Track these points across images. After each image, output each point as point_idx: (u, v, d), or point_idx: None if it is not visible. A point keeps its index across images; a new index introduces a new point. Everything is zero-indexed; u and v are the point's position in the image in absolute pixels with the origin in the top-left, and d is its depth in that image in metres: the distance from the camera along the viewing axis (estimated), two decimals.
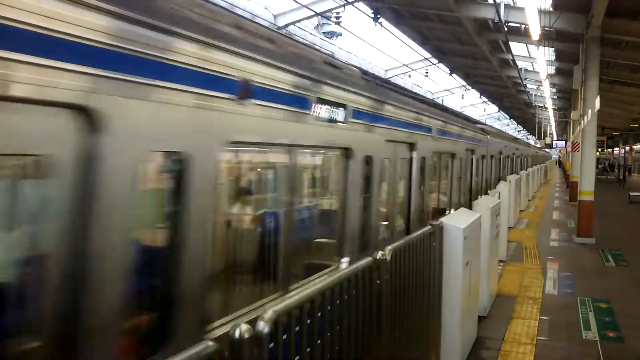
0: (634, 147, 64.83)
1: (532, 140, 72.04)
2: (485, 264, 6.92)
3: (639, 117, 36.72)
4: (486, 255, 6.94)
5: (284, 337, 2.35)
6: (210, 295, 3.34)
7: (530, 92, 34.46)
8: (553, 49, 20.40)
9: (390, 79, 28.96)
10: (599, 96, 13.78)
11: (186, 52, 3.01)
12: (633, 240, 13.82)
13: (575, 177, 21.57)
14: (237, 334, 1.98)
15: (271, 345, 2.19)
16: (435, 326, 4.97)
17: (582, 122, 14.80)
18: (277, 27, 17.97)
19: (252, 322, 2.13)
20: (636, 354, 6.10)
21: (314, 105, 4.64)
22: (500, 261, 9.88)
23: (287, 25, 18.69)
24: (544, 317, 7.21)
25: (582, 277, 9.65)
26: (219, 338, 2.80)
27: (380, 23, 16.21)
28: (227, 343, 1.99)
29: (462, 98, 42.14)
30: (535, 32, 13.07)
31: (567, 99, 33.49)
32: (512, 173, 22.44)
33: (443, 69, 28.10)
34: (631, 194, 25.21)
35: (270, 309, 2.26)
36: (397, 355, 3.87)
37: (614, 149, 70.41)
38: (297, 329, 2.47)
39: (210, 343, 1.85)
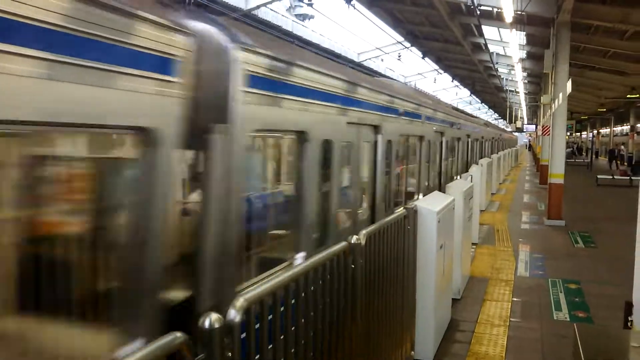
0: (600, 131, 66.22)
1: (501, 123, 73.02)
2: (459, 247, 6.94)
3: (607, 101, 37.41)
4: (459, 238, 6.96)
5: (257, 325, 2.27)
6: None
7: (502, 76, 34.79)
8: (524, 33, 20.55)
9: (362, 62, 28.88)
10: (570, 80, 13.92)
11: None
12: (600, 222, 14.10)
13: (545, 160, 21.91)
14: (206, 324, 1.89)
15: (243, 335, 2.11)
16: (410, 309, 4.96)
17: (553, 106, 14.96)
18: (247, 9, 17.69)
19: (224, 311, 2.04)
20: (605, 333, 6.20)
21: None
22: (473, 244, 9.97)
23: (258, 7, 18.40)
24: (516, 299, 7.29)
25: (553, 258, 9.80)
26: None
27: (353, 5, 16.07)
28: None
29: (435, 82, 42.39)
30: (508, 16, 13.10)
31: (537, 84, 33.94)
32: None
33: (416, 52, 28.14)
34: (599, 177, 25.74)
35: (241, 297, 2.17)
36: (372, 338, 3.84)
37: (582, 132, 71.93)
38: (270, 316, 2.39)
39: (179, 334, 1.76)
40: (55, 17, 2.18)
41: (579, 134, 74.66)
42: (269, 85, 3.87)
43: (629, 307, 3.30)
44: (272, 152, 4.69)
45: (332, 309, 3.11)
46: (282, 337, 2.55)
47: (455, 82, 42.65)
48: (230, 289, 3.25)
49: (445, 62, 33.74)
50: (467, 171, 14.10)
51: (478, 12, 16.34)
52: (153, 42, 2.77)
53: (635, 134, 48.77)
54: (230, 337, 2.01)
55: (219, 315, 1.92)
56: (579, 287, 7.93)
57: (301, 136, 4.49)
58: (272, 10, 20.66)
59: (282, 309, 2.53)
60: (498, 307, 6.93)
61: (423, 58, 28.82)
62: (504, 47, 26.11)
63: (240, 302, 2.12)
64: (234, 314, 2.07)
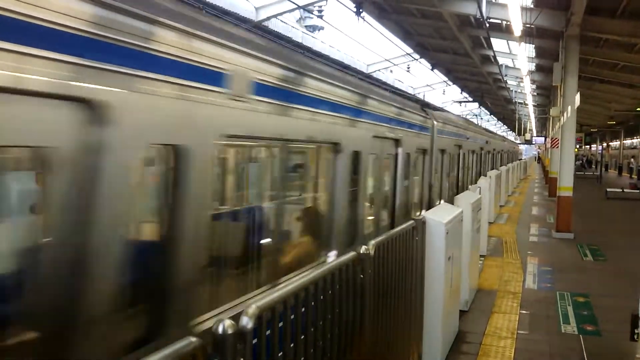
0: (610, 144, 65.92)
1: (512, 136, 72.80)
2: (467, 259, 6.95)
3: (616, 114, 37.27)
4: (467, 249, 6.98)
5: (268, 332, 2.32)
6: None
7: (511, 89, 34.76)
8: (533, 45, 20.58)
9: (372, 74, 28.97)
10: (578, 93, 13.93)
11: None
12: (610, 236, 14.03)
13: (554, 172, 21.84)
14: (220, 330, 1.94)
15: (255, 341, 2.16)
16: (418, 320, 4.98)
17: (562, 119, 14.96)
18: (258, 20, 17.86)
19: (236, 317, 2.09)
20: (614, 347, 6.19)
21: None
22: (481, 256, 9.96)
23: (268, 19, 18.57)
24: (524, 311, 7.28)
25: (561, 271, 9.77)
26: None
27: (363, 17, 16.16)
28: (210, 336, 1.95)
29: (444, 94, 42.42)
30: (517, 29, 13.16)
31: (546, 96, 33.87)
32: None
33: (425, 64, 28.19)
34: (608, 190, 25.60)
35: (253, 304, 2.22)
36: (379, 349, 3.87)
37: (592, 145, 71.61)
38: (280, 324, 2.44)
39: (193, 339, 1.81)
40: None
41: (588, 146, 74.33)
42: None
43: (635, 320, 3.32)
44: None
45: (340, 318, 3.15)
46: (292, 345, 2.60)
47: (465, 94, 42.63)
48: None
49: (455, 74, 33.77)
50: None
51: (487, 25, 16.40)
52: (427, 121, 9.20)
53: None
54: (242, 343, 2.07)
55: (232, 322, 1.98)
56: (588, 300, 7.91)
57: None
58: (282, 21, 20.85)
59: (292, 317, 2.58)
60: (506, 319, 6.93)
61: (432, 70, 28.86)
62: (513, 59, 26.13)
63: (252, 309, 2.18)
64: (247, 321, 2.12)
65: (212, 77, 3.39)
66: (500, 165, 25.68)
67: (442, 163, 11.83)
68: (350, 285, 3.27)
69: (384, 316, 3.92)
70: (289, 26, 22.09)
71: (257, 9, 18.37)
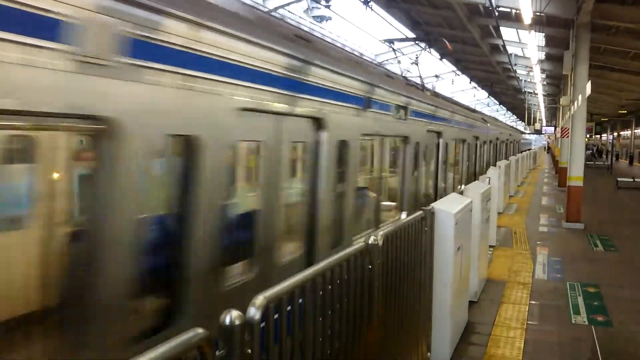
0: (621, 133, 65.38)
1: (521, 126, 72.32)
2: (476, 249, 6.91)
3: (627, 103, 36.92)
4: (477, 240, 6.94)
5: (276, 320, 2.30)
6: None
7: (520, 78, 34.51)
8: (543, 34, 20.39)
9: (380, 64, 28.78)
10: (589, 82, 13.78)
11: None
12: (620, 226, 13.93)
13: (564, 162, 21.68)
14: (227, 321, 1.93)
15: (262, 324, 2.15)
16: (427, 310, 4.96)
17: (572, 108, 14.82)
18: (266, 9, 17.78)
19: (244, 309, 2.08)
20: (625, 337, 6.14)
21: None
22: (490, 246, 9.92)
23: (276, 9, 18.50)
24: (534, 302, 7.24)
25: (571, 262, 9.71)
26: None
27: (371, 7, 16.05)
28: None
29: (452, 84, 42.17)
30: (527, 17, 13.02)
31: (556, 85, 33.59)
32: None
33: (433, 54, 28.00)
34: (619, 179, 25.40)
35: (261, 295, 2.20)
36: (388, 339, 3.85)
37: (602, 135, 71.04)
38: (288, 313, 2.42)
39: (200, 330, 1.80)
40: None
41: (598, 136, 73.76)
42: None
43: None
44: None
45: (349, 309, 3.13)
46: (300, 335, 2.58)
47: (474, 84, 42.37)
48: None
49: (464, 64, 33.56)
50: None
51: (496, 14, 16.26)
52: None
53: None
54: (250, 334, 2.05)
55: (239, 313, 1.96)
56: (598, 291, 7.86)
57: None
58: (289, 12, 20.77)
59: (300, 307, 2.56)
60: (515, 310, 6.89)
61: (441, 59, 28.67)
62: (522, 48, 25.91)
63: (260, 300, 2.16)
64: (254, 312, 2.10)
65: (358, 101, 6.33)
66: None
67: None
68: (358, 276, 3.25)
69: (392, 307, 3.90)
70: (297, 16, 22.02)
71: None
